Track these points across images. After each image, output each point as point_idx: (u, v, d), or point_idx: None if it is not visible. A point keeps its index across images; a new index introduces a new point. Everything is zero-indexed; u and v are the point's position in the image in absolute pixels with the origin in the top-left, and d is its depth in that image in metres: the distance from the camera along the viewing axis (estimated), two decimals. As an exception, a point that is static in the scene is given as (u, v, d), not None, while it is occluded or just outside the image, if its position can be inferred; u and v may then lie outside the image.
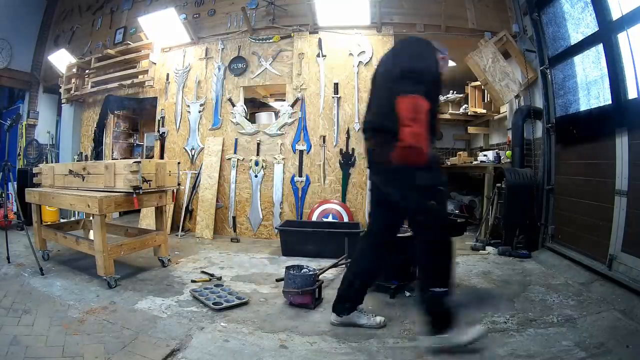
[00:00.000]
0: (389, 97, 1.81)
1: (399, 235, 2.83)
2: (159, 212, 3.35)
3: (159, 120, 5.23)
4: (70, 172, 3.25)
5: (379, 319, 2.15)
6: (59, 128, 6.83)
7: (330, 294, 2.67)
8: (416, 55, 1.92)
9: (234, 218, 4.67)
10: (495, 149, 4.99)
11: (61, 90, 5.90)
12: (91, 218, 2.97)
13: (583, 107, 3.24)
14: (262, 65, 4.75)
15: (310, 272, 2.56)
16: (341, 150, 4.48)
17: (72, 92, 5.71)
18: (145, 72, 5.13)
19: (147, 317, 2.25)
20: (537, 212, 3.72)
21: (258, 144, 4.72)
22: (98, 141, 5.76)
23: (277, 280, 2.84)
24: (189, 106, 5.02)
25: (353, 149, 4.46)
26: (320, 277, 2.64)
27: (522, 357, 1.82)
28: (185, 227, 4.84)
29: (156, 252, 3.33)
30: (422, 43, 1.98)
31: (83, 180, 3.15)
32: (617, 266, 2.61)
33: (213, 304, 2.40)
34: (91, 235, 3.32)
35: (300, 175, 4.57)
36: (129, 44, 5.31)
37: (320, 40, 4.60)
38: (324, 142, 4.52)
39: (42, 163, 5.72)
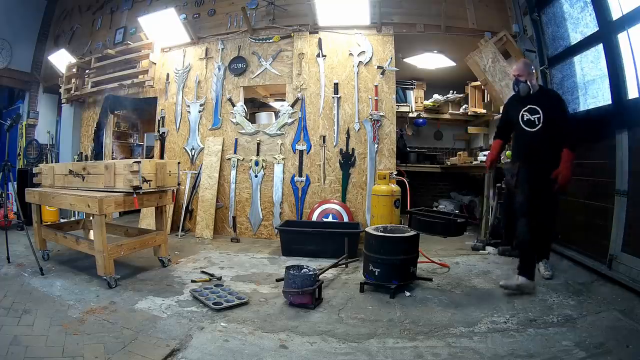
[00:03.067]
0: None
1: (400, 235, 2.85)
2: (159, 212, 3.36)
3: (159, 120, 5.23)
4: (70, 172, 3.25)
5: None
6: (59, 128, 6.83)
7: (330, 294, 2.68)
8: None
9: (234, 218, 4.67)
10: (495, 149, 4.97)
11: (61, 90, 5.90)
12: (91, 218, 2.97)
13: (582, 107, 3.24)
14: (262, 65, 4.75)
15: (310, 272, 2.55)
16: (341, 150, 4.48)
17: (72, 92, 5.71)
18: (145, 72, 5.13)
19: (147, 317, 2.26)
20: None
21: (258, 144, 4.72)
22: (98, 141, 5.76)
23: (277, 280, 2.84)
24: (189, 106, 5.02)
25: (353, 149, 4.46)
26: (320, 277, 2.64)
27: (522, 357, 1.82)
28: (185, 227, 4.84)
29: (156, 252, 3.33)
30: None
31: (83, 180, 3.15)
32: (617, 266, 2.61)
33: (213, 304, 2.40)
34: (91, 235, 3.32)
35: (300, 175, 4.57)
36: (129, 44, 5.31)
37: (320, 40, 4.60)
38: (324, 142, 4.52)
39: (42, 163, 5.72)
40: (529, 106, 2.77)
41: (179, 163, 3.47)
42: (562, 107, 2.74)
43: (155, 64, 5.17)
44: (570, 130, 2.69)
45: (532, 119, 2.76)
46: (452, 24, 4.40)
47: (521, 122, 2.81)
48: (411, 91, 6.14)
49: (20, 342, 1.89)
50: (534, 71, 2.83)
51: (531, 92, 2.77)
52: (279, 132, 4.66)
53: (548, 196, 2.70)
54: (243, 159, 4.77)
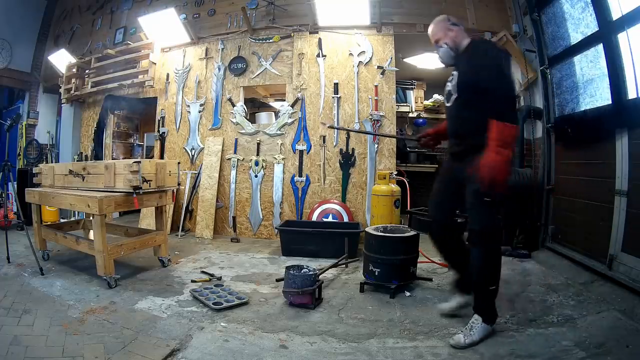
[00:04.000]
0: None
1: (400, 235, 2.84)
2: (159, 212, 3.35)
3: (159, 120, 5.23)
4: (70, 172, 3.25)
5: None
6: (59, 128, 6.83)
7: (330, 294, 2.68)
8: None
9: (234, 218, 4.67)
10: (495, 149, 4.98)
11: (61, 90, 5.89)
12: (91, 218, 2.97)
13: (583, 107, 3.24)
14: (262, 65, 4.75)
15: (310, 272, 2.55)
16: (341, 150, 4.48)
17: (72, 92, 5.70)
18: (145, 72, 5.13)
19: (147, 317, 2.26)
20: (537, 212, 3.72)
21: (258, 144, 4.72)
22: (98, 141, 5.77)
23: (277, 280, 2.84)
24: (189, 106, 5.02)
25: (353, 149, 4.46)
26: (320, 277, 2.64)
27: (522, 357, 1.82)
28: (185, 227, 4.84)
29: (156, 252, 3.33)
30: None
31: (83, 180, 3.15)
32: (617, 266, 2.61)
33: (213, 304, 2.40)
34: (91, 235, 3.32)
35: (300, 175, 4.57)
36: (129, 44, 5.31)
37: (320, 40, 4.60)
38: (324, 142, 4.52)
39: (42, 163, 5.72)
40: (452, 72, 2.06)
41: (179, 163, 3.47)
42: (485, 60, 1.89)
43: (155, 64, 5.17)
44: (497, 89, 1.82)
45: (450, 89, 2.04)
46: (452, 24, 4.39)
47: (445, 97, 2.13)
48: (411, 91, 6.14)
49: (20, 342, 1.89)
50: (452, 27, 2.09)
51: (455, 55, 2.06)
52: (279, 132, 4.66)
53: (472, 211, 1.95)
54: (243, 159, 4.77)
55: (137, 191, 2.86)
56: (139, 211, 5.01)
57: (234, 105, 4.82)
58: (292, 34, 4.68)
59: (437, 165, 6.18)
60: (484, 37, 4.20)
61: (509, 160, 1.76)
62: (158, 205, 3.26)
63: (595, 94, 3.04)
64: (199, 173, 4.85)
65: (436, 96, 6.18)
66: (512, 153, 1.76)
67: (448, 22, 2.13)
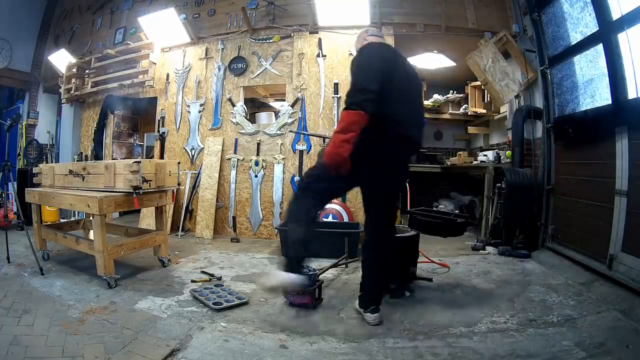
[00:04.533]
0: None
1: (400, 235, 2.84)
2: (159, 212, 3.35)
3: (159, 120, 5.23)
4: (70, 172, 3.24)
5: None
6: (59, 128, 6.83)
7: (330, 294, 2.68)
8: None
9: (234, 218, 4.67)
10: (495, 149, 4.99)
11: (61, 90, 5.90)
12: (91, 218, 2.97)
13: (583, 107, 3.24)
14: (262, 65, 4.75)
15: (310, 272, 2.55)
16: (341, 150, 4.47)
17: (72, 92, 5.71)
18: (145, 72, 5.13)
19: (147, 317, 2.25)
20: (537, 212, 3.72)
21: (258, 144, 4.72)
22: (98, 141, 5.77)
23: (277, 280, 2.84)
24: (189, 106, 5.02)
25: (353, 149, 4.45)
26: (320, 277, 2.64)
27: (522, 357, 1.82)
28: (185, 227, 4.84)
29: (156, 252, 3.33)
30: None
31: (83, 180, 3.15)
32: (617, 266, 2.61)
33: (213, 304, 2.40)
34: (91, 235, 3.32)
35: (300, 175, 4.57)
36: (129, 44, 5.31)
37: (320, 40, 4.60)
38: (324, 142, 4.51)
39: (42, 163, 5.72)
40: None
41: (179, 163, 3.47)
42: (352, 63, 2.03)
43: (155, 64, 5.17)
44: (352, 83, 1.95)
45: None
46: (452, 24, 4.40)
47: None
48: (411, 91, 6.13)
49: (20, 342, 1.89)
50: (369, 37, 2.22)
51: None
52: (279, 132, 4.66)
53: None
54: (243, 159, 4.77)
55: (137, 191, 2.85)
56: (139, 211, 5.01)
57: (234, 105, 4.82)
58: (292, 34, 4.68)
59: (437, 165, 6.19)
60: (484, 38, 4.21)
61: (341, 142, 1.84)
62: (158, 205, 3.25)
63: (595, 94, 3.05)
64: (199, 173, 4.85)
65: (436, 96, 6.18)
66: (353, 134, 1.84)
67: (366, 33, 2.28)
